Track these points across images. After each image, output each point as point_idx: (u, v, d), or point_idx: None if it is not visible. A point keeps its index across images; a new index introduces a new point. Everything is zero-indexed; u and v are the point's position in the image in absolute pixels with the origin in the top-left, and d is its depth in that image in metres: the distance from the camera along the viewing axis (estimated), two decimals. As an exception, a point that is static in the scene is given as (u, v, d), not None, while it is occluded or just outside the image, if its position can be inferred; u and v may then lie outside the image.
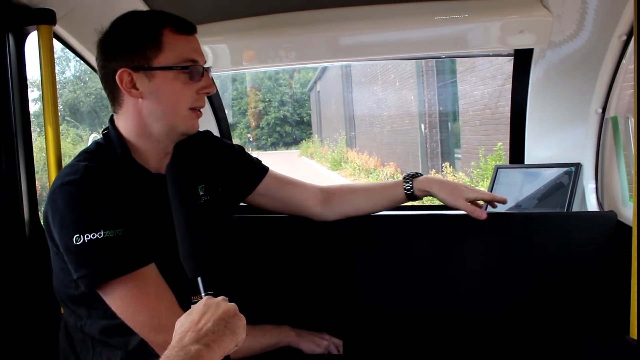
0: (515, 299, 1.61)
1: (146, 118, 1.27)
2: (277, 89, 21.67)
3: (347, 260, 1.69)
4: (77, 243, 1.13)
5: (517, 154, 2.06)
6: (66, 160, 1.50)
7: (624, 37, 1.50)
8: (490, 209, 1.93)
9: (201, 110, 1.31)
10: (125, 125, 1.30)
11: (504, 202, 1.58)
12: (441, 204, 1.57)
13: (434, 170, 9.13)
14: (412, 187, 1.55)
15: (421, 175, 1.57)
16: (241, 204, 1.59)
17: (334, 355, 1.50)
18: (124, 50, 1.24)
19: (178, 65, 1.24)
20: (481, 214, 1.50)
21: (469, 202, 1.52)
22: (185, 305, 1.16)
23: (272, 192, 1.55)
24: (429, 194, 1.55)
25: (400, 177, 1.59)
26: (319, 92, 19.71)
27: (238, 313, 0.94)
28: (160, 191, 1.26)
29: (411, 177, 1.57)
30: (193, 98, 1.28)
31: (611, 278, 1.53)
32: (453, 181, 1.58)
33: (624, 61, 1.56)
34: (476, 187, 1.59)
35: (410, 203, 1.61)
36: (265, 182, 1.53)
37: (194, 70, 1.26)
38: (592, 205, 1.75)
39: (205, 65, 1.31)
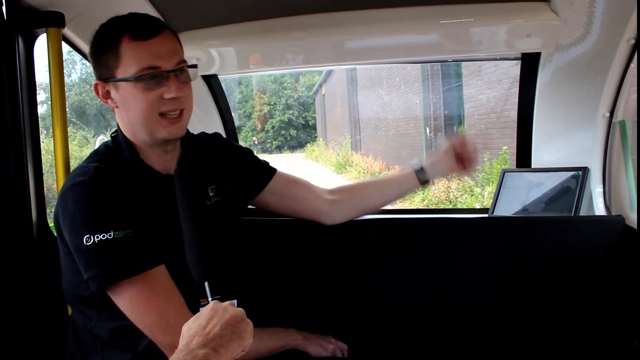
0: (522, 303, 1.60)
1: (129, 125, 1.28)
2: (282, 92, 21.73)
3: (352, 263, 1.69)
4: (87, 243, 1.14)
5: (524, 158, 2.05)
6: (73, 163, 1.51)
7: (632, 41, 1.49)
8: (496, 213, 1.93)
9: (182, 115, 1.26)
10: (123, 129, 1.31)
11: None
12: (447, 207, 1.56)
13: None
14: (425, 174, 1.57)
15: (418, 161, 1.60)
16: (249, 206, 1.59)
17: (340, 359, 1.50)
18: (94, 62, 1.27)
19: (134, 77, 1.21)
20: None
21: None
22: (193, 307, 1.16)
23: (280, 192, 1.54)
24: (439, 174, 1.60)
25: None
26: (324, 95, 19.74)
27: (245, 318, 0.94)
28: (169, 192, 1.27)
29: (421, 167, 1.58)
30: (159, 104, 1.23)
31: (618, 282, 1.53)
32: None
33: (632, 65, 1.56)
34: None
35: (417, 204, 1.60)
36: (274, 182, 1.53)
37: (155, 76, 1.21)
38: (599, 209, 1.75)
39: (192, 65, 1.28)
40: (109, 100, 1.26)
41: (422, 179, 1.57)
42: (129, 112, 1.26)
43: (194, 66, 1.30)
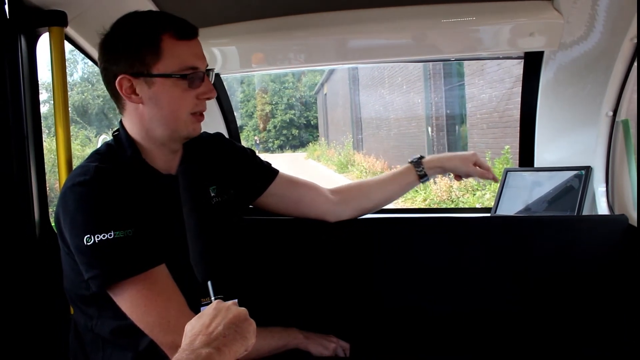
0: (524, 303, 1.60)
1: (148, 123, 1.28)
2: (284, 92, 21.72)
3: (355, 263, 1.69)
4: (88, 243, 1.14)
5: (526, 157, 2.05)
6: (75, 162, 1.51)
7: (636, 40, 1.49)
8: (499, 213, 1.92)
9: (203, 113, 1.31)
10: (131, 127, 1.30)
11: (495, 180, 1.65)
12: (450, 206, 1.56)
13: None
14: (423, 169, 1.59)
15: (423, 157, 1.62)
16: (250, 206, 1.59)
17: (342, 358, 1.50)
18: (124, 55, 1.23)
19: (177, 74, 1.23)
20: (491, 176, 1.59)
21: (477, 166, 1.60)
22: (194, 307, 1.16)
23: (282, 194, 1.54)
24: (441, 169, 1.61)
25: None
26: (325, 94, 19.72)
27: (248, 317, 0.94)
28: (170, 192, 1.27)
29: (419, 160, 1.61)
30: (193, 103, 1.26)
31: (621, 282, 1.52)
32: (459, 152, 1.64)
33: (635, 64, 1.55)
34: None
35: (420, 204, 1.61)
36: (276, 184, 1.53)
37: (194, 77, 1.25)
38: (602, 208, 1.74)
39: (212, 68, 1.30)
40: (133, 96, 1.25)
41: (420, 173, 1.58)
42: (159, 109, 1.25)
43: (212, 69, 1.33)
